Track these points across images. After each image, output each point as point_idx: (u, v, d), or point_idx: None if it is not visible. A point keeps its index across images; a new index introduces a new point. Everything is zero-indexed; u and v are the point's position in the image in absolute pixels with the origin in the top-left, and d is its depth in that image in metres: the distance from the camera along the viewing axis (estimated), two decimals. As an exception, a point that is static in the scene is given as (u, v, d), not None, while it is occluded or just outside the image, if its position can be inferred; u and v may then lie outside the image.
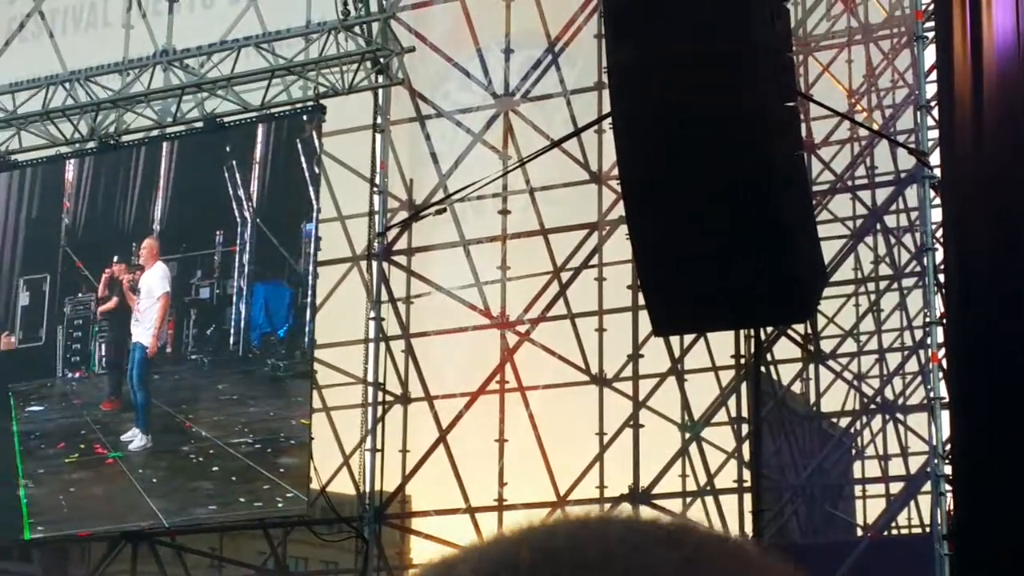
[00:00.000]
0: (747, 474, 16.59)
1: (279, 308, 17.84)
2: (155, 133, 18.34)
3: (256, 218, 17.91)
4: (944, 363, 14.06)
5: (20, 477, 18.59)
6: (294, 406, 17.35)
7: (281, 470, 16.88)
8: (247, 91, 17.61)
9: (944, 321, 13.85)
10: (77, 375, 18.87)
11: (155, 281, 18.43)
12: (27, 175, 19.33)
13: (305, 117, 17.33)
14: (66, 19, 19.62)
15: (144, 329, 18.37)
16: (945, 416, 14.32)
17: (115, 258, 18.74)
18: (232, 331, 17.88)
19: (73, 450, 18.40)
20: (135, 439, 18.09)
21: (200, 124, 17.92)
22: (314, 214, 17.56)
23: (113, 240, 18.95)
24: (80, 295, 19.09)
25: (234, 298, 17.86)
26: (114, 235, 18.97)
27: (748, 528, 16.18)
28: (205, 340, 18.04)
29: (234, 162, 18.13)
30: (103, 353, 18.83)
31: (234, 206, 18.02)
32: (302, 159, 17.50)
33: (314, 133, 17.33)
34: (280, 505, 16.88)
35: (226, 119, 17.75)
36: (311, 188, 17.50)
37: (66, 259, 19.18)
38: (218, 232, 18.08)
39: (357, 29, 17.13)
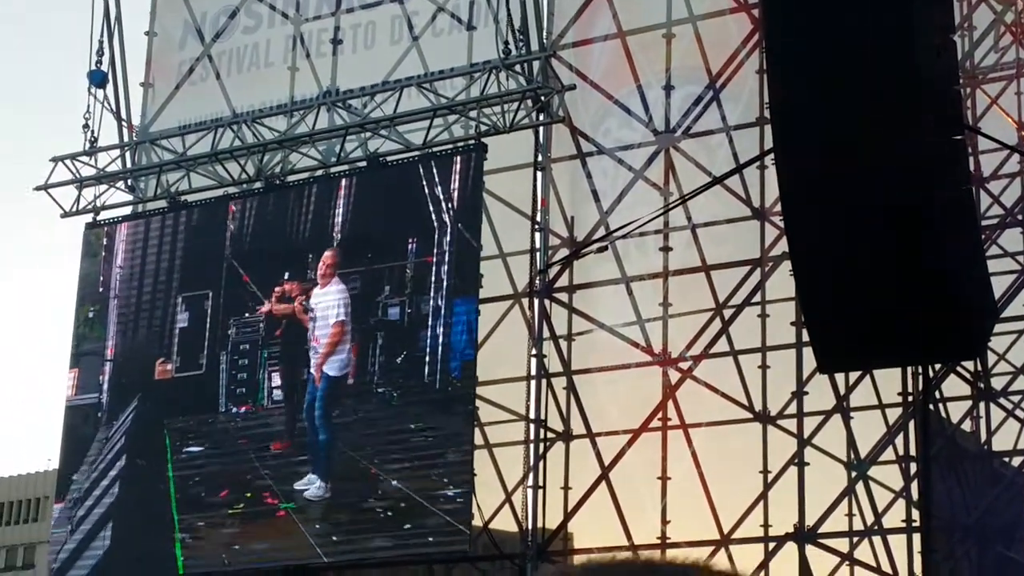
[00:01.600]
0: (916, 514, 16.27)
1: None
2: (319, 173, 18.46)
3: (458, 222, 15.62)
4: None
5: (176, 530, 16.37)
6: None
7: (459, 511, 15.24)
8: (409, 131, 17.76)
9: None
10: (243, 410, 16.58)
11: (330, 303, 16.09)
12: (194, 211, 18.02)
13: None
14: (230, 61, 19.98)
15: (322, 357, 16.00)
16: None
17: (286, 275, 16.46)
18: (427, 358, 15.37)
19: (238, 499, 16.25)
20: (311, 486, 15.79)
21: (363, 164, 18.01)
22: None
23: (286, 250, 16.65)
24: (247, 315, 16.61)
25: (430, 318, 15.43)
26: (287, 245, 16.68)
27: (918, 569, 15.86)
28: (394, 369, 15.52)
29: (432, 161, 16.00)
30: (274, 384, 16.42)
31: (431, 207, 15.68)
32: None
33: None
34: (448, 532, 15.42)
35: (388, 158, 17.84)
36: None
37: (231, 273, 16.87)
38: (411, 240, 15.75)
39: (518, 68, 17.21)
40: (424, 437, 15.31)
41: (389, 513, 15.24)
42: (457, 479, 15.25)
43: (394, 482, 15.18)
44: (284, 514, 15.86)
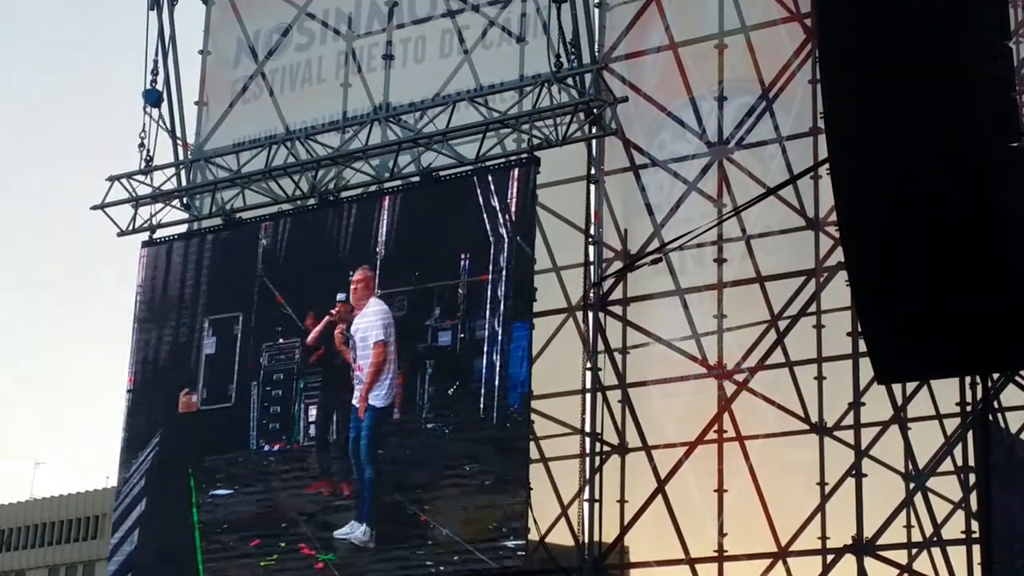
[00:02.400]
0: (975, 525, 16.13)
1: None
2: (373, 188, 18.45)
3: (516, 235, 14.35)
4: None
5: None
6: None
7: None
8: (461, 144, 17.75)
9: None
10: (276, 447, 15.04)
11: (369, 324, 14.82)
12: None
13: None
14: (283, 78, 20.08)
15: (367, 386, 14.42)
16: None
17: (339, 297, 15.06)
18: (483, 389, 13.99)
19: (271, 549, 14.72)
20: (353, 532, 14.36)
21: (416, 179, 17.96)
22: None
23: (324, 269, 15.28)
24: (281, 341, 15.24)
25: (485, 345, 14.08)
26: (326, 262, 15.32)
27: (978, 581, 15.73)
28: (446, 402, 14.03)
29: (488, 173, 14.89)
30: (311, 419, 14.92)
31: (486, 220, 14.48)
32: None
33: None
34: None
35: (441, 173, 17.79)
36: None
37: (264, 293, 15.60)
38: (463, 255, 14.51)
39: (570, 81, 17.19)
40: (480, 481, 13.95)
41: (441, 568, 13.81)
42: (516, 530, 13.77)
43: (445, 531, 13.91)
44: (323, 566, 14.45)
